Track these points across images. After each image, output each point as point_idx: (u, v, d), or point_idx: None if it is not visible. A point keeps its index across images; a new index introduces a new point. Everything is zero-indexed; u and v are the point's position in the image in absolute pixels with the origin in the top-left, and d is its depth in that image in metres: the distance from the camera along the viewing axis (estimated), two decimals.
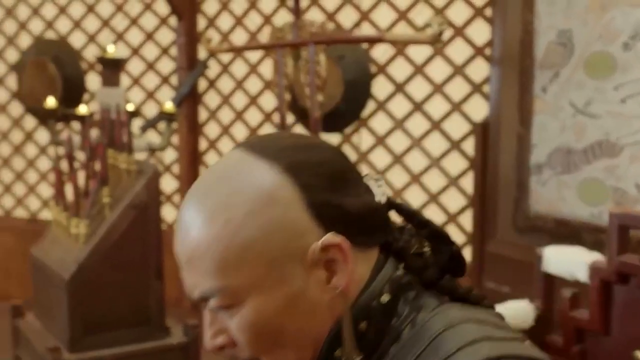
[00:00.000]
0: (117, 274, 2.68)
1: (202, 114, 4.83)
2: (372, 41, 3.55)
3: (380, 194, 0.93)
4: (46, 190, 5.20)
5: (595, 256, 2.16)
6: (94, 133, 3.44)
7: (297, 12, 2.99)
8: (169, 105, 3.71)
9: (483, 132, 3.59)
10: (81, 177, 2.99)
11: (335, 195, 0.87)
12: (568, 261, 2.22)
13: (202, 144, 4.86)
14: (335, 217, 0.87)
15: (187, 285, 0.89)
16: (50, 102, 3.69)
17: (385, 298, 0.89)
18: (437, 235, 0.94)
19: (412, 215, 0.95)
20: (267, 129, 4.60)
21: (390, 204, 0.94)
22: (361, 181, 0.93)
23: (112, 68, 3.70)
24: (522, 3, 3.24)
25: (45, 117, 4.86)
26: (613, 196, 3.00)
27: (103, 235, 2.66)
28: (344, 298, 0.87)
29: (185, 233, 0.87)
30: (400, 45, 4.02)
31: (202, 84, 4.78)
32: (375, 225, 0.91)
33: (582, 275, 2.15)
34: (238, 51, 4.26)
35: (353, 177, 0.91)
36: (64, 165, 3.36)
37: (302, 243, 0.86)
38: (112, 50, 3.76)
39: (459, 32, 3.97)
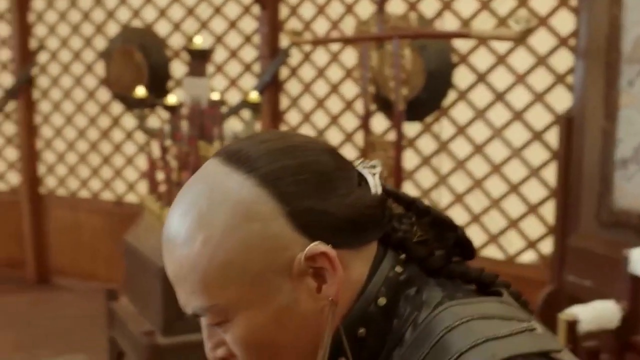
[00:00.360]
0: None
1: (284, 102, 4.91)
2: (458, 37, 3.57)
3: (374, 184, 0.89)
4: (132, 173, 5.38)
5: None
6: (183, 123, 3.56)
7: (381, 6, 3.04)
8: (254, 95, 3.79)
9: (567, 125, 3.57)
10: (171, 164, 3.11)
11: (318, 201, 0.83)
12: None
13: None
14: (321, 224, 0.83)
15: (180, 302, 0.88)
16: (140, 91, 3.81)
17: (382, 301, 0.86)
18: (440, 222, 0.90)
19: (411, 203, 0.91)
20: (348, 118, 4.65)
21: (388, 193, 0.90)
22: (352, 175, 0.88)
23: (199, 58, 3.79)
24: None
25: (132, 105, 5.02)
26: None
27: None
28: (334, 308, 0.84)
29: (169, 253, 0.86)
30: None
31: (284, 72, 4.86)
32: (369, 223, 0.86)
33: None
34: (323, 43, 4.32)
35: (341, 175, 0.86)
36: (155, 152, 3.47)
37: (286, 256, 0.83)
38: (199, 41, 3.86)
39: (543, 22, 3.95)
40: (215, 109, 2.96)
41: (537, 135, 4.03)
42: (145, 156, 5.09)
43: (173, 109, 3.57)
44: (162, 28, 5.14)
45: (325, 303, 0.84)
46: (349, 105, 4.63)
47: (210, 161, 0.87)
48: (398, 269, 0.87)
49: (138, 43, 5.07)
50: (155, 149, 3.61)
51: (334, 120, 4.71)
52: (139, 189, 5.34)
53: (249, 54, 4.95)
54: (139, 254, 2.95)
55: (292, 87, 4.87)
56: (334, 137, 4.70)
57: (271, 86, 4.79)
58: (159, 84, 5.01)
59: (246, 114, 4.32)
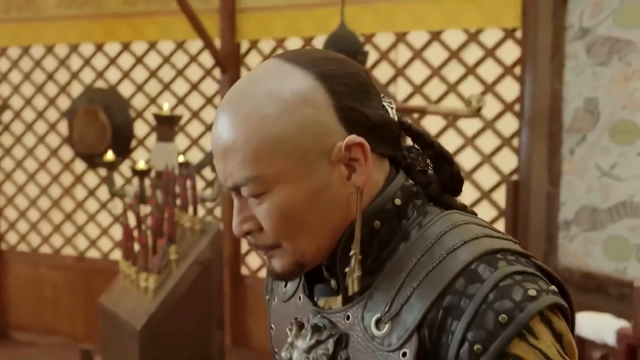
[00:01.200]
0: (184, 324, 2.95)
1: None
2: (416, 112, 3.82)
3: (392, 114, 1.03)
4: (94, 230, 5.48)
5: (622, 323, 2.41)
6: (148, 184, 3.72)
7: None
8: None
9: (514, 188, 3.84)
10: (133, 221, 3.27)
11: (359, 104, 0.98)
12: (598, 327, 2.47)
13: None
14: (359, 123, 0.98)
15: (222, 176, 0.99)
16: (109, 155, 3.96)
17: (398, 201, 1.01)
18: (441, 155, 1.07)
19: (420, 136, 1.07)
20: None
21: (401, 124, 1.05)
22: (380, 98, 1.03)
23: (167, 124, 3.96)
24: (550, 72, 3.50)
25: (95, 163, 5.15)
26: (636, 253, 3.23)
27: (171, 289, 2.93)
28: (360, 196, 0.98)
29: (224, 127, 0.97)
30: (434, 102, 4.29)
31: None
32: (390, 138, 1.02)
33: (610, 340, 2.40)
34: None
35: (374, 92, 1.01)
36: (124, 214, 3.62)
37: (329, 142, 0.96)
38: (166, 107, 4.04)
39: (489, 88, 4.24)
40: (192, 179, 3.13)
41: (486, 195, 4.29)
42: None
43: (142, 174, 3.73)
44: (125, 89, 5.30)
45: (352, 191, 0.98)
46: None
47: (269, 60, 1.02)
48: (411, 182, 1.04)
49: (102, 103, 5.20)
50: (120, 207, 3.75)
51: None
52: (101, 244, 5.46)
53: (211, 114, 5.14)
54: (116, 316, 3.09)
55: None
56: None
57: None
58: (122, 144, 5.16)
59: (210, 173, 4.50)
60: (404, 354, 0.94)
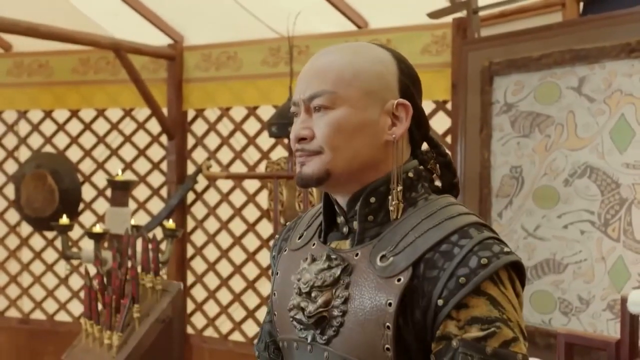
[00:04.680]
0: None
1: (190, 224, 5.32)
2: None
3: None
4: (39, 292, 5.57)
5: None
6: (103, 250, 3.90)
7: (291, 151, 3.55)
8: (171, 224, 4.16)
9: None
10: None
11: (413, 88, 1.34)
12: None
13: (189, 251, 5.33)
14: (410, 98, 1.32)
15: (302, 90, 1.32)
16: (64, 219, 4.13)
17: (411, 175, 1.32)
18: (449, 165, 1.40)
19: (438, 145, 1.40)
20: (251, 238, 5.07)
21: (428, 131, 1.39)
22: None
23: (121, 189, 4.16)
24: (479, 143, 3.84)
25: (42, 226, 5.29)
26: (559, 306, 3.56)
27: (135, 345, 3.11)
28: (397, 146, 1.30)
29: (323, 57, 1.33)
30: None
31: (190, 196, 5.26)
32: (424, 129, 1.36)
33: None
34: (235, 178, 4.79)
35: (421, 92, 1.37)
36: (87, 276, 3.78)
37: (387, 95, 1.31)
38: (120, 172, 4.25)
39: None
40: (153, 242, 3.34)
41: None
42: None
43: (98, 237, 3.90)
44: (73, 154, 5.47)
45: (389, 139, 1.30)
46: (252, 226, 5.06)
47: (356, 42, 1.40)
48: (422, 168, 1.36)
49: (50, 167, 5.35)
50: (69, 269, 3.89)
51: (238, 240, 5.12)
52: (46, 306, 5.55)
53: (157, 179, 5.34)
54: None
55: (198, 210, 5.28)
56: (238, 255, 5.12)
57: (179, 209, 5.18)
58: (70, 207, 5.30)
59: (159, 235, 4.68)
60: (399, 280, 1.23)
